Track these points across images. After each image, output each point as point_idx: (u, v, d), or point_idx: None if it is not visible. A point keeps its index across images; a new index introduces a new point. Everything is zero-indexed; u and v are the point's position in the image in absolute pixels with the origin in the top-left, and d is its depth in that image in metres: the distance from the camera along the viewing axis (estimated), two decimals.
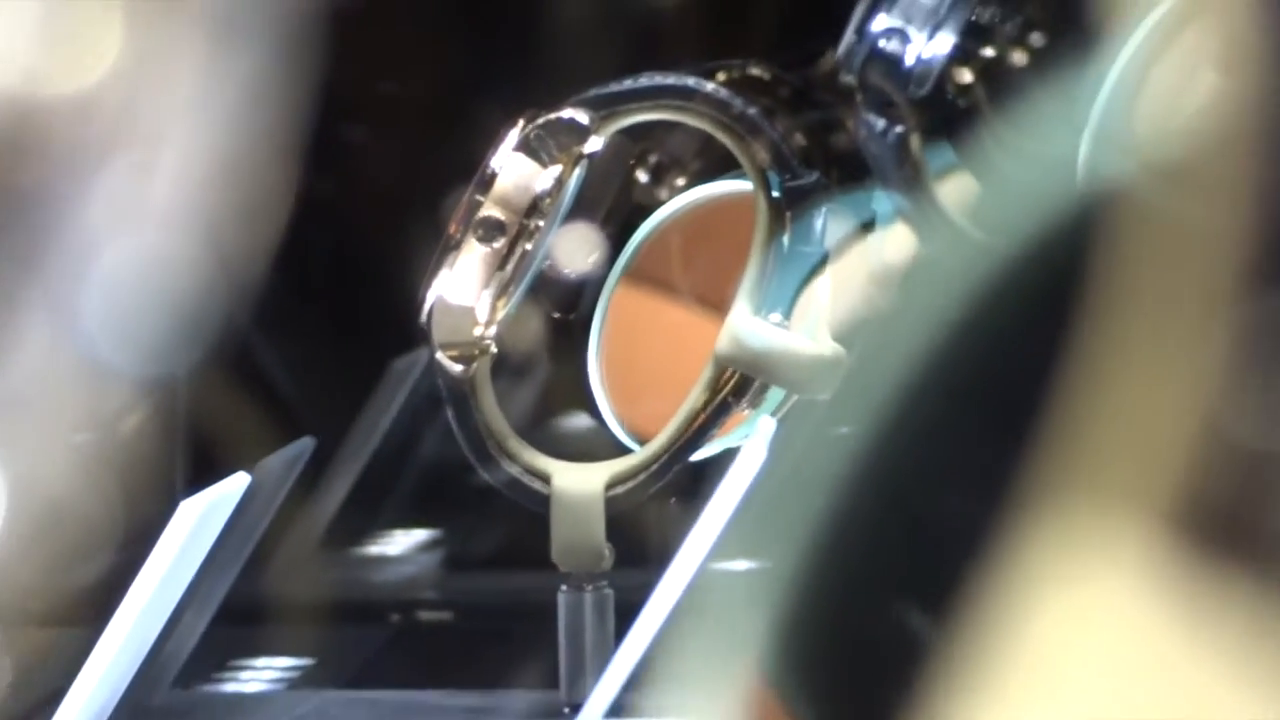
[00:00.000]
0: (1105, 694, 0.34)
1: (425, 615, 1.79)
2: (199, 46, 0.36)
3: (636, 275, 1.53)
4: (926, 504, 0.41)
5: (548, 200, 1.44)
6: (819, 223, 1.43)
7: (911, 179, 1.31)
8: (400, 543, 1.80)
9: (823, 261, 1.46)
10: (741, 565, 1.02)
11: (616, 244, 1.59)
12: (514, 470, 1.50)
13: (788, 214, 1.41)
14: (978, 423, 0.41)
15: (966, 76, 1.34)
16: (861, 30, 1.30)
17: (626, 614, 1.40)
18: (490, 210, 1.46)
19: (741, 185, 1.46)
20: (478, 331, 1.42)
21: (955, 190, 1.30)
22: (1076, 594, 0.32)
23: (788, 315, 1.44)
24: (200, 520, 1.39)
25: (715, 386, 1.42)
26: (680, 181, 1.58)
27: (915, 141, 1.31)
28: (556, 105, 1.45)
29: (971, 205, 1.05)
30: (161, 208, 0.36)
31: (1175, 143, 0.38)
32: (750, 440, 1.43)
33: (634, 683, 1.38)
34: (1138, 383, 0.32)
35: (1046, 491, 0.35)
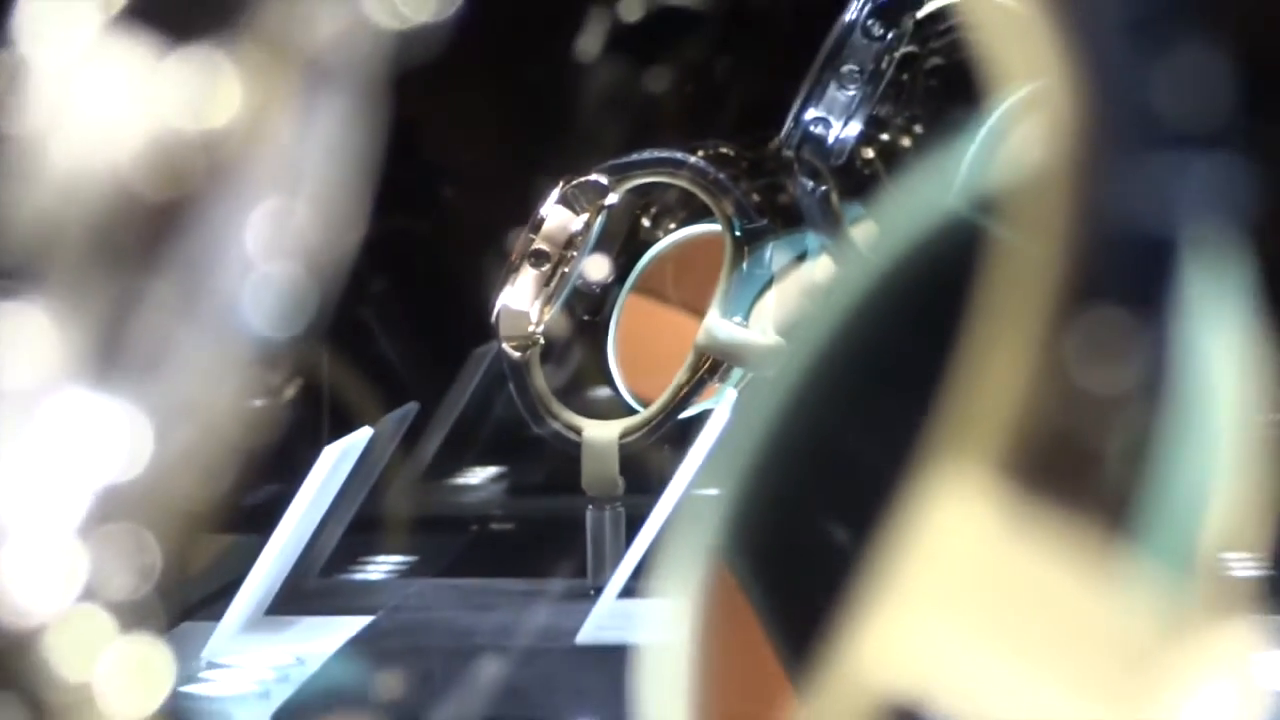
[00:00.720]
0: (968, 587, 0.30)
1: (494, 526, 1.82)
2: (311, 97, 0.35)
3: (641, 289, 1.64)
4: (842, 447, 0.41)
5: (579, 237, 1.54)
6: (768, 254, 1.55)
7: (832, 224, 1.36)
8: (477, 476, 1.84)
9: (770, 282, 1.59)
10: (713, 490, 1.14)
11: (627, 268, 1.72)
12: (556, 426, 1.64)
13: (746, 248, 1.52)
14: (877, 387, 0.41)
15: (869, 153, 1.47)
16: (797, 119, 1.35)
17: (634, 525, 1.50)
18: (539, 244, 1.55)
19: (714, 228, 1.57)
20: (530, 329, 1.54)
21: (861, 231, 1.37)
22: (950, 515, 0.30)
23: (746, 318, 1.55)
24: (337, 460, 1.56)
25: (696, 367, 1.53)
26: (672, 225, 1.66)
27: (834, 198, 1.37)
28: (585, 170, 1.56)
29: (871, 240, 1.11)
30: (300, 227, 0.35)
31: (1010, 194, 0.34)
32: (719, 404, 1.61)
33: (639, 573, 1.47)
34: (988, 356, 0.30)
35: (929, 437, 0.33)
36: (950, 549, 0.29)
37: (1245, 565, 0.31)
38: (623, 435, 1.53)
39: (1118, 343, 0.26)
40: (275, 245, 0.28)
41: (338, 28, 0.23)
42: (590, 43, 1.75)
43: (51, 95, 0.28)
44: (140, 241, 0.24)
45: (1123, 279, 0.26)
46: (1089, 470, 0.27)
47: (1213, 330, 0.27)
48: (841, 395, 0.41)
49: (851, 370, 0.39)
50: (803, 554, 0.43)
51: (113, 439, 0.25)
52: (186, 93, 0.22)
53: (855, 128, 1.29)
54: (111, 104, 0.28)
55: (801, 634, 0.39)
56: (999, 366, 0.30)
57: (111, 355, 0.24)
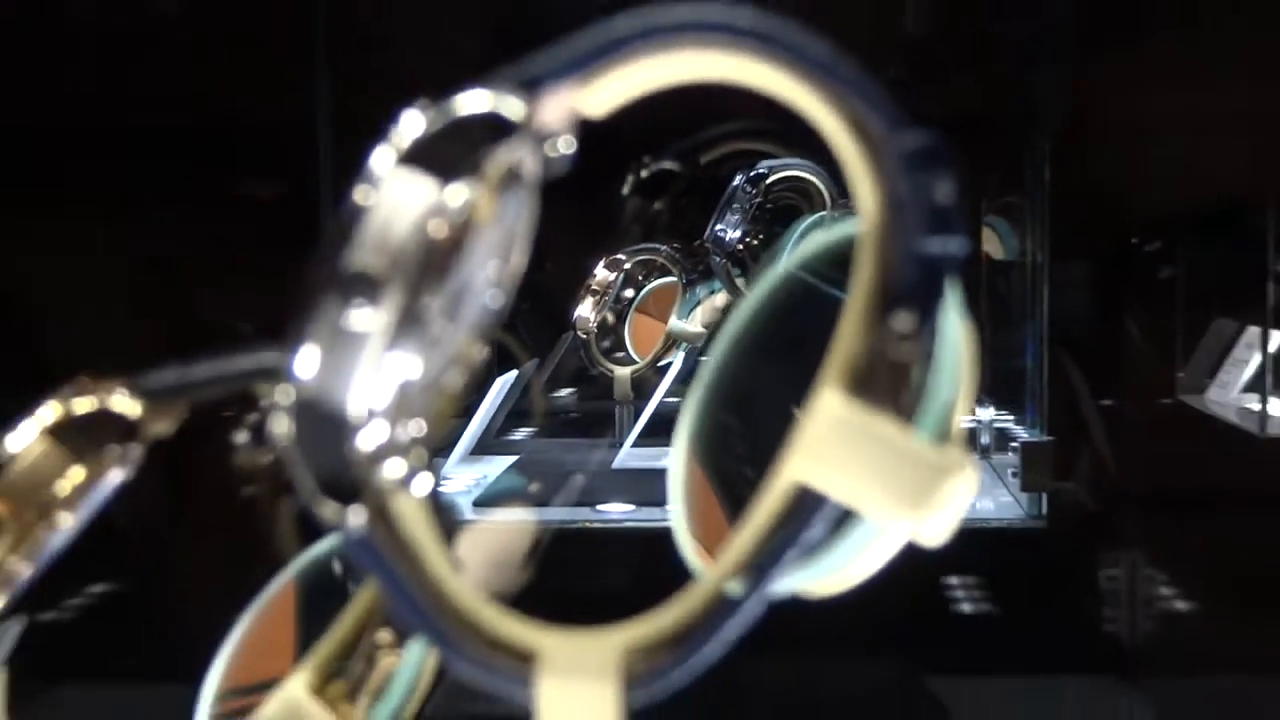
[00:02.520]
0: (841, 440, 0.39)
1: (572, 415, 2.42)
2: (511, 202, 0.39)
3: (640, 309, 2.31)
4: (746, 384, 0.53)
5: (613, 283, 2.31)
6: (699, 291, 2.28)
7: (730, 281, 2.06)
8: (563, 392, 2.43)
9: (698, 303, 2.28)
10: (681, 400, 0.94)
11: (634, 297, 2.35)
12: (602, 368, 2.27)
13: (687, 288, 2.27)
14: (760, 351, 0.54)
15: (742, 246, 2.03)
16: (711, 230, 2.00)
17: (636, 416, 2.16)
18: (594, 285, 2.29)
19: (672, 279, 2.28)
20: (589, 325, 2.26)
21: (744, 284, 1.99)
22: (821, 406, 0.40)
23: (688, 320, 2.28)
24: (504, 384, 2.26)
25: (665, 342, 2.29)
26: (654, 278, 2.23)
27: (730, 269, 2.02)
28: (614, 252, 2.29)
29: (749, 289, 1.34)
30: (508, 269, 0.62)
31: (825, 258, 0.51)
32: (675, 360, 2.28)
33: (641, 435, 2.14)
34: (840, 329, 0.42)
35: (797, 374, 0.45)
36: (822, 426, 0.40)
37: (964, 422, 0.44)
38: (633, 372, 2.28)
39: (908, 320, 0.38)
40: (497, 278, 0.41)
41: (520, 161, 0.37)
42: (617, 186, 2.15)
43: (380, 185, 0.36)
44: (436, 273, 0.36)
45: (912, 292, 0.39)
46: (899, 386, 0.40)
47: (950, 315, 0.42)
48: (741, 357, 0.54)
49: (743, 344, 0.53)
50: (732, 443, 0.53)
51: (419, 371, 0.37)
52: (454, 197, 0.35)
53: (737, 234, 1.94)
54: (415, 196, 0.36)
55: (734, 487, 0.51)
56: (845, 333, 0.41)
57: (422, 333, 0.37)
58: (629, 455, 2.19)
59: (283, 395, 0.37)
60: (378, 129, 0.39)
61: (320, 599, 0.58)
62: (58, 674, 0.39)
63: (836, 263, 0.49)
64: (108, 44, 1.30)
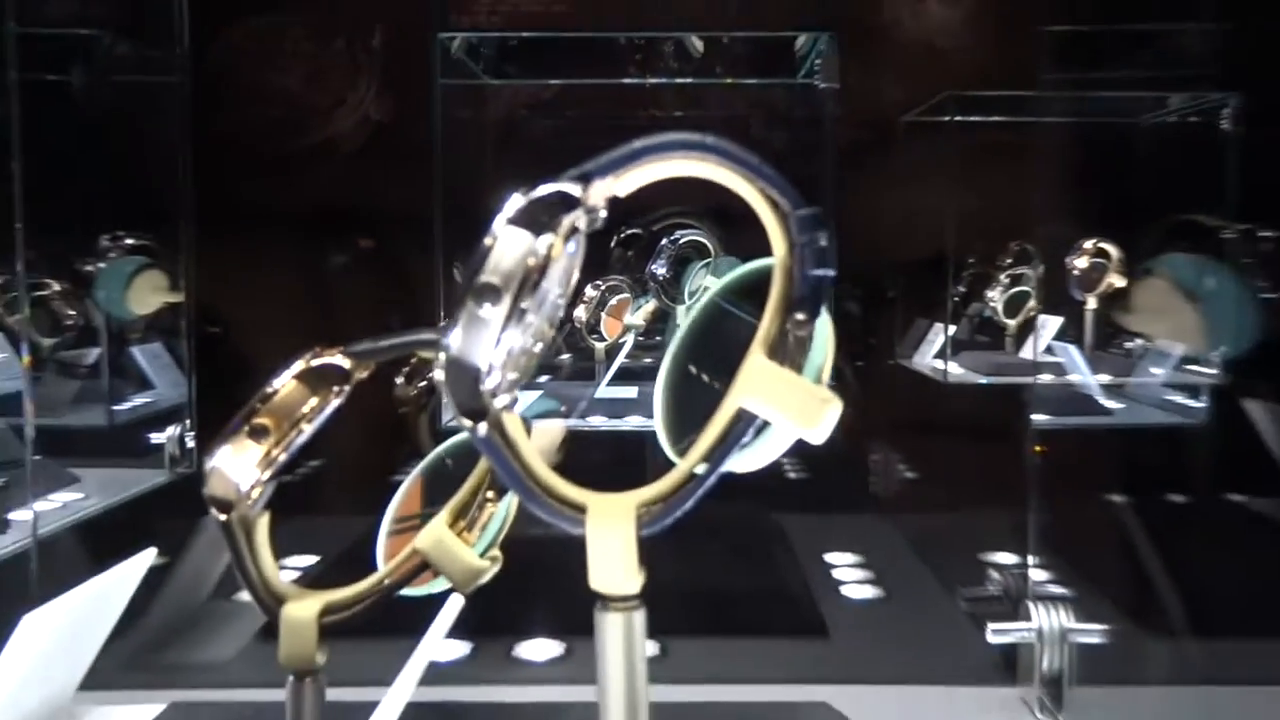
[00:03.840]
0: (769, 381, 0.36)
1: (569, 369, 1.75)
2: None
3: (607, 313, 1.67)
4: (694, 362, 0.45)
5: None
6: (640, 301, 1.66)
7: (659, 297, 1.62)
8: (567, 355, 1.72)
9: (639, 308, 1.69)
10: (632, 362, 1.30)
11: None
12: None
13: (633, 300, 1.65)
14: (698, 345, 0.46)
15: (667, 279, 1.58)
16: (648, 267, 1.58)
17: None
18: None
19: (626, 295, 1.63)
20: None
21: (666, 299, 1.59)
22: (751, 369, 0.37)
23: (632, 316, 1.71)
24: None
25: (621, 331, 1.66)
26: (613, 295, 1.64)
27: (658, 291, 1.61)
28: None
29: (675, 303, 1.34)
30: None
31: (733, 287, 0.44)
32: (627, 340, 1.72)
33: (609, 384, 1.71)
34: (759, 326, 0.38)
35: (717, 362, 0.42)
36: (753, 374, 0.37)
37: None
38: (604, 346, 1.71)
39: (802, 316, 0.36)
40: (562, 291, 0.35)
41: (577, 222, 0.35)
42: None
43: None
44: (529, 287, 0.34)
45: (805, 300, 0.36)
46: (796, 352, 0.37)
47: (823, 312, 0.37)
48: (689, 342, 0.46)
49: (690, 334, 0.45)
50: (686, 387, 0.46)
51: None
52: (540, 243, 0.34)
53: (662, 271, 1.55)
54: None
55: (688, 411, 0.44)
56: (765, 322, 0.38)
57: None
58: (603, 391, 1.98)
59: (441, 355, 0.35)
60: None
61: (447, 472, 0.56)
62: (288, 512, 0.38)
63: (739, 290, 0.45)
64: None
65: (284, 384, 0.47)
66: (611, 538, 0.38)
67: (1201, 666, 0.65)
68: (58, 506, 0.84)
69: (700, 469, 0.40)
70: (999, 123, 1.11)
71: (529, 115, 1.16)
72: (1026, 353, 1.20)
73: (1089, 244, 1.10)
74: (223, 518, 0.47)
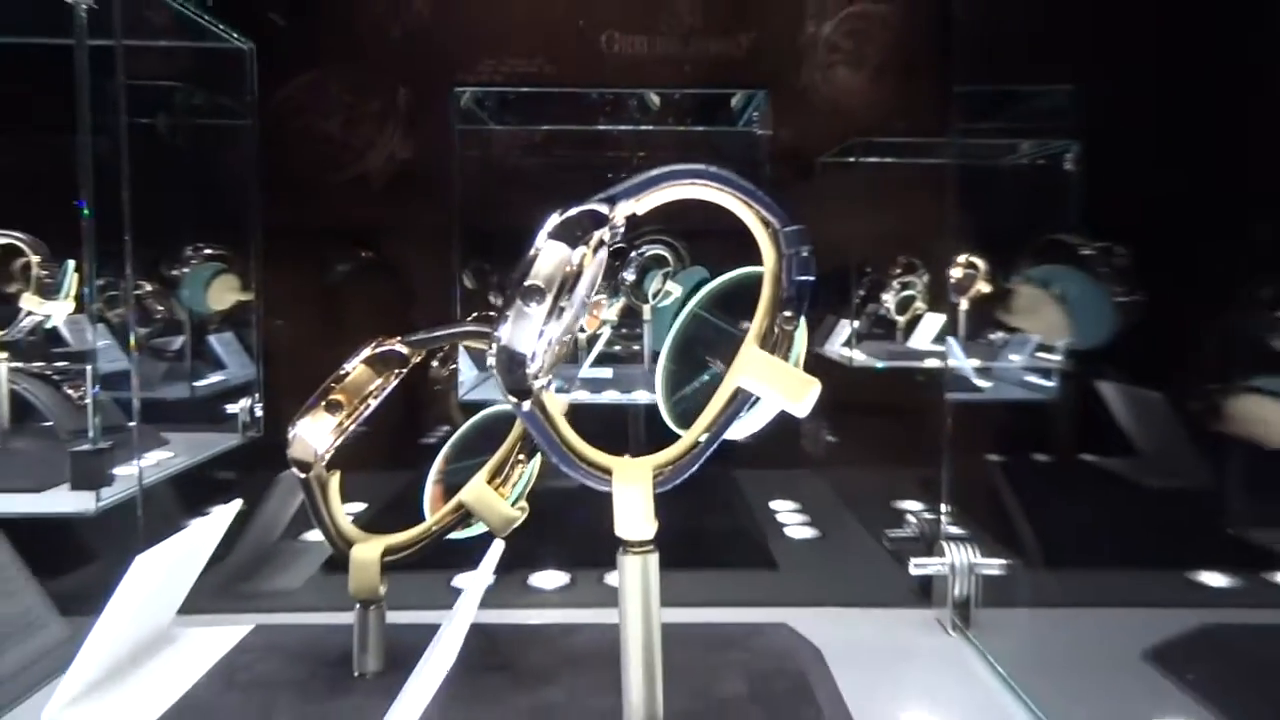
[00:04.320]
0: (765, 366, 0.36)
1: None
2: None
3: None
4: (683, 354, 0.43)
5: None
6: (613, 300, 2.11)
7: (629, 299, 1.26)
8: None
9: (612, 306, 2.04)
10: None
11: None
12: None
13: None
14: (687, 343, 0.44)
15: (635, 284, 1.90)
16: (619, 273, 1.24)
17: None
18: None
19: (602, 295, 1.96)
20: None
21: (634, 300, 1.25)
22: (746, 355, 0.36)
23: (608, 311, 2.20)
24: None
25: (599, 324, 2.08)
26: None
27: (628, 294, 1.26)
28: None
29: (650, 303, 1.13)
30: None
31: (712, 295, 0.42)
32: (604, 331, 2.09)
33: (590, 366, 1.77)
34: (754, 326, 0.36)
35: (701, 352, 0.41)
36: (748, 360, 0.36)
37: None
38: (586, 336, 2.28)
39: (789, 314, 0.35)
40: (588, 294, 0.35)
41: (603, 237, 0.34)
42: None
43: None
44: (566, 290, 0.33)
45: (791, 301, 0.35)
46: (783, 343, 0.36)
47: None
48: (679, 341, 0.44)
49: (679, 333, 0.43)
50: (677, 373, 0.43)
51: None
52: (575, 254, 0.33)
53: (631, 277, 1.20)
54: None
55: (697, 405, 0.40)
56: (758, 318, 0.36)
57: None
58: (585, 372, 1.98)
59: (493, 344, 0.35)
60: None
61: (483, 437, 0.53)
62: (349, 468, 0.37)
63: (718, 299, 0.45)
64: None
65: (354, 367, 0.47)
66: (633, 494, 0.37)
67: (1069, 591, 0.64)
68: (153, 463, 0.82)
69: (703, 438, 0.39)
70: (893, 162, 1.09)
71: (522, 154, 1.13)
72: (913, 343, 1.19)
73: (962, 258, 1.06)
74: (302, 476, 0.46)
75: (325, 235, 1.09)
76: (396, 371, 0.47)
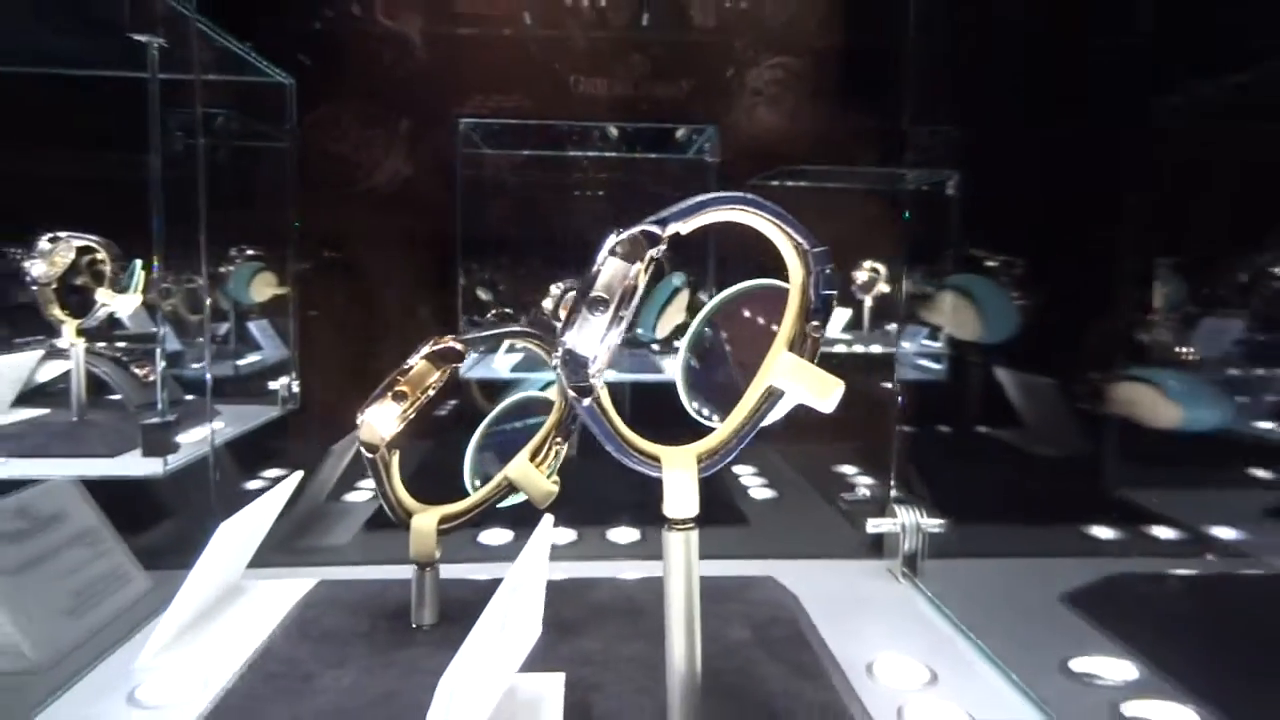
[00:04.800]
0: (792, 369, 0.33)
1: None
2: None
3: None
4: (701, 352, 0.41)
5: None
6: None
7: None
8: None
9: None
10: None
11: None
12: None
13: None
14: (706, 338, 0.42)
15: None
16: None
17: None
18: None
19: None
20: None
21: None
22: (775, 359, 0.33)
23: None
24: None
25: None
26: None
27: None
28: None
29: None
30: None
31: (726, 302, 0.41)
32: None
33: None
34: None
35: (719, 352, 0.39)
36: (780, 362, 0.33)
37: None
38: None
39: (817, 323, 0.32)
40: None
41: (656, 255, 0.30)
42: None
43: None
44: (626, 300, 0.30)
45: (818, 311, 0.32)
46: (811, 348, 0.33)
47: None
48: (699, 336, 0.42)
49: (699, 330, 0.40)
50: (695, 370, 0.42)
51: None
52: (634, 270, 0.30)
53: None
54: None
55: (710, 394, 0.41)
56: (785, 326, 0.33)
57: None
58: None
59: (558, 346, 0.32)
60: None
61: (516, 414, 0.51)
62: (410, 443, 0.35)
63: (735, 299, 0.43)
64: None
65: (417, 362, 0.42)
66: (681, 479, 0.34)
67: (991, 545, 0.62)
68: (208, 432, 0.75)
69: (742, 430, 0.36)
70: (810, 185, 1.06)
71: (508, 174, 1.09)
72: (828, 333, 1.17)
73: (866, 264, 1.08)
74: (369, 455, 0.43)
75: (349, 240, 1.05)
76: (454, 365, 0.43)
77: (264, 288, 1.06)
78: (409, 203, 1.07)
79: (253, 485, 0.73)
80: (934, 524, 0.56)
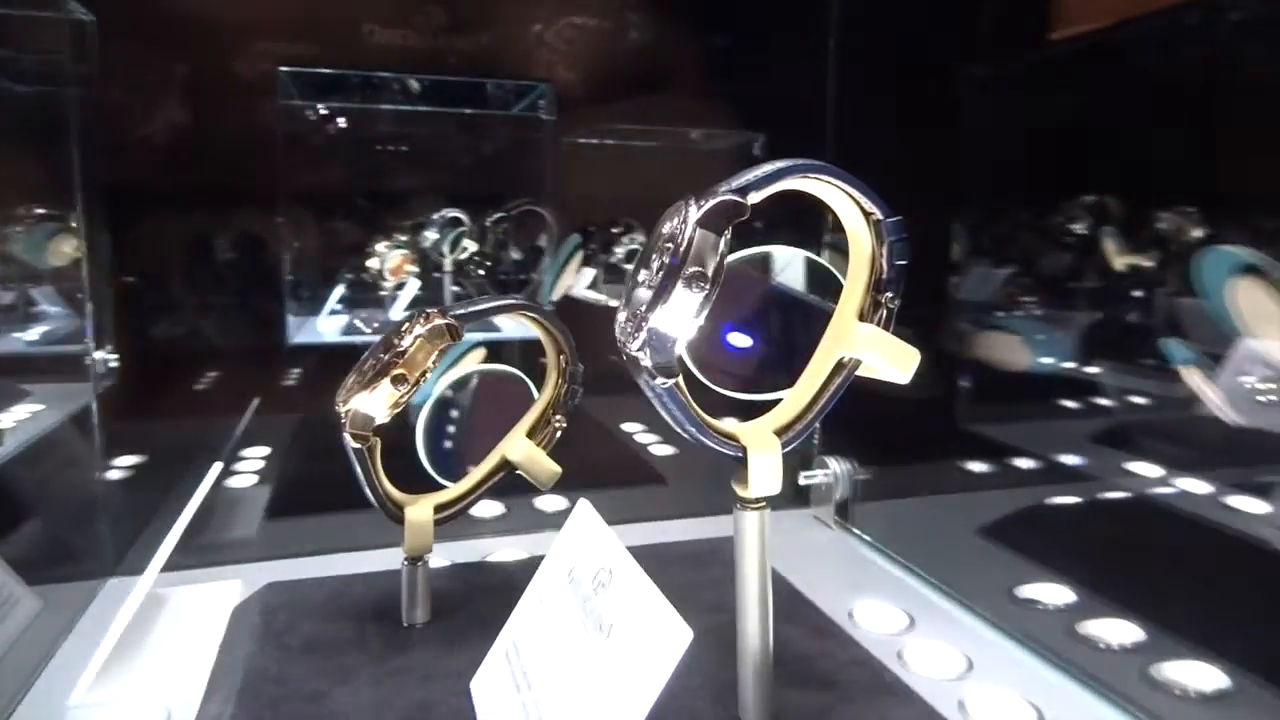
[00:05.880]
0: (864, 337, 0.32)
1: None
2: None
3: None
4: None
5: None
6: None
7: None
8: None
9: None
10: None
11: None
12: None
13: None
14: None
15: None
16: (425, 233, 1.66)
17: None
18: None
19: None
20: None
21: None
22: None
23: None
24: None
25: None
26: None
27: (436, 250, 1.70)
28: None
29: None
30: None
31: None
32: None
33: None
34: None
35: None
36: (851, 332, 0.32)
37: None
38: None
39: (890, 293, 0.31)
40: None
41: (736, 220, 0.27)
42: None
43: None
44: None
45: (891, 282, 0.30)
46: (888, 321, 0.32)
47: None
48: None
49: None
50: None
51: None
52: (720, 242, 0.27)
53: (434, 236, 1.80)
54: None
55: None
56: (850, 296, 0.32)
57: None
58: (397, 315, 1.73)
59: (637, 321, 0.28)
60: None
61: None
62: None
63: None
64: None
65: (413, 343, 0.37)
66: (768, 461, 0.32)
67: (893, 487, 0.63)
68: (29, 416, 0.66)
69: (819, 402, 0.34)
70: (614, 144, 1.03)
71: (331, 129, 1.00)
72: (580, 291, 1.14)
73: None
74: (358, 446, 0.37)
75: (168, 196, 0.94)
76: (449, 342, 0.37)
77: (61, 250, 0.89)
78: (222, 157, 0.96)
79: (112, 475, 0.63)
80: (864, 473, 0.56)
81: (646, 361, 0.29)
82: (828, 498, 0.59)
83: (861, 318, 0.32)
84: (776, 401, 0.33)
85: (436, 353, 0.37)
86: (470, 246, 1.09)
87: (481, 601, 0.42)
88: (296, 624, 0.40)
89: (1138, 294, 0.61)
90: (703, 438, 0.31)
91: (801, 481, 0.57)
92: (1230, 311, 0.47)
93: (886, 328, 0.32)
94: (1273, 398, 0.48)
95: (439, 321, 0.37)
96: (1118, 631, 0.44)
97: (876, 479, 0.60)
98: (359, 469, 0.37)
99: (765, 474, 0.31)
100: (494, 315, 0.39)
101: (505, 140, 1.16)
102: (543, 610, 0.32)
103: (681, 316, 0.28)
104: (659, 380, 0.29)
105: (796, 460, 0.61)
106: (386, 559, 0.44)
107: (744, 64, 0.82)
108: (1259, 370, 0.49)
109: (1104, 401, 0.63)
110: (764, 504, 0.32)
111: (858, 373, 0.33)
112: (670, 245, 0.28)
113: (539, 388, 0.42)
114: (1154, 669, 0.41)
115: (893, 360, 0.31)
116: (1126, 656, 0.42)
